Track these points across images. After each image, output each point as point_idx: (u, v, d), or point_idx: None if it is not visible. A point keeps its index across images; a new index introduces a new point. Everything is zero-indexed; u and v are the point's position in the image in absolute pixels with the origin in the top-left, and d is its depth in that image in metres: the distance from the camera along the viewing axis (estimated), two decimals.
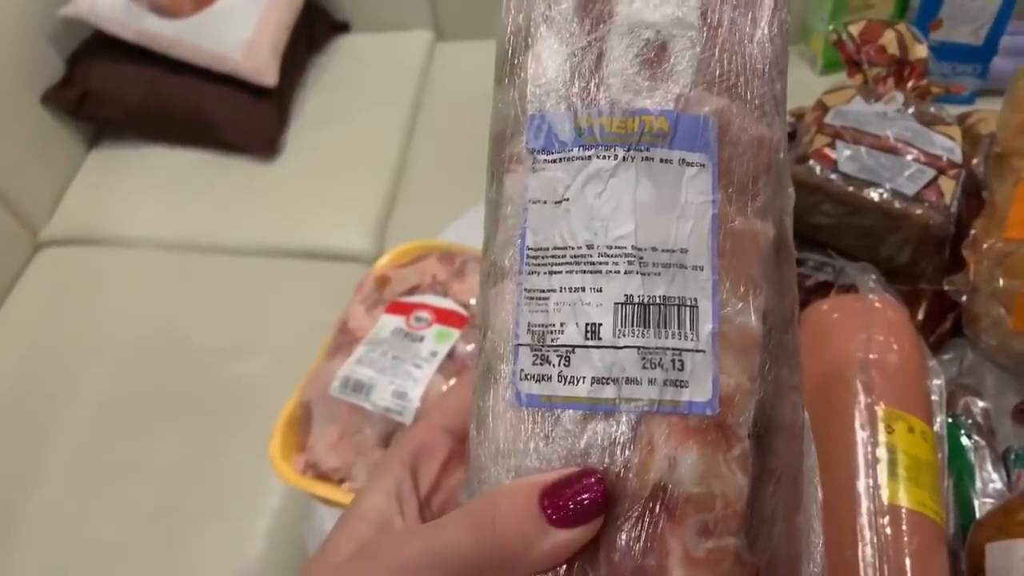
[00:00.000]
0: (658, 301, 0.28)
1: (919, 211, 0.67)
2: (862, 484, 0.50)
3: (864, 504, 0.49)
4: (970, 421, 0.64)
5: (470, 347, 0.58)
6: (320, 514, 0.69)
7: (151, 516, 1.02)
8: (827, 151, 0.70)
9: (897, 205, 0.67)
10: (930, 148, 0.70)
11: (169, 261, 1.31)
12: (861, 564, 0.47)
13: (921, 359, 0.58)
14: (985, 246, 0.63)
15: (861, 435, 0.52)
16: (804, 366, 0.59)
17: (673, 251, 0.28)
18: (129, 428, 1.11)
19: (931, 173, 0.69)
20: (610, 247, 0.28)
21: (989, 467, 0.62)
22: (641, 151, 0.28)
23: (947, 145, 0.71)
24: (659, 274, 0.28)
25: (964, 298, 0.64)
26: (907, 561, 0.47)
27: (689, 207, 0.28)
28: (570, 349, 0.27)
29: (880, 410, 0.53)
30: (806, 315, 0.61)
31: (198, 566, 0.98)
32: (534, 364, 0.28)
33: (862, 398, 0.53)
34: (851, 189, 0.68)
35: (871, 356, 0.55)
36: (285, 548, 0.99)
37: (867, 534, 0.48)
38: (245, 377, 1.12)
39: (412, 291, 0.63)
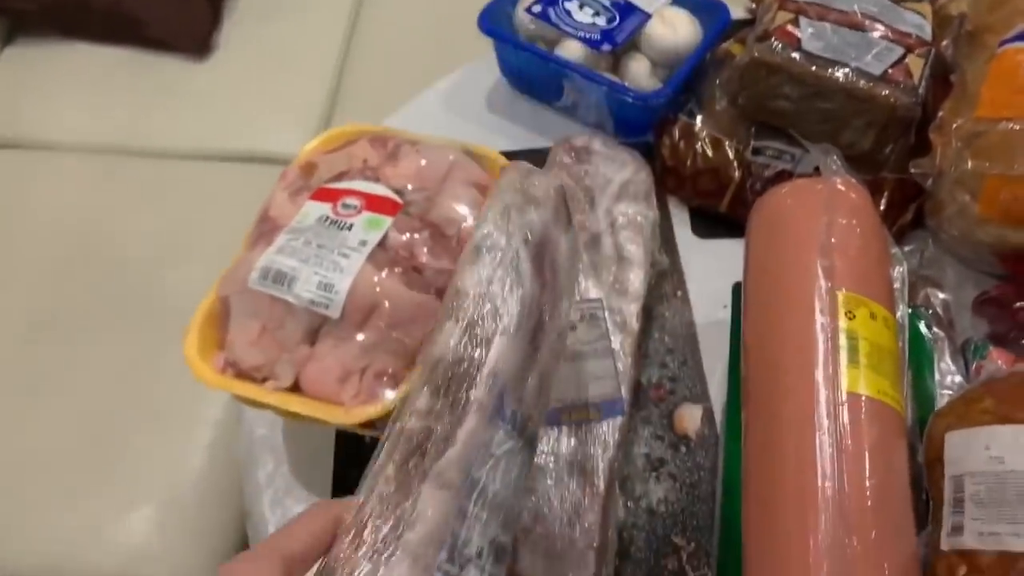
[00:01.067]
0: None
1: (885, 91, 0.63)
2: (820, 372, 0.47)
3: (823, 392, 0.46)
4: (930, 312, 0.61)
5: (405, 236, 0.53)
6: (248, 419, 0.65)
7: (83, 429, 0.97)
8: (790, 28, 0.65)
9: (862, 85, 0.63)
10: (899, 24, 0.66)
11: (94, 166, 1.22)
12: (818, 453, 0.44)
13: (884, 245, 0.55)
14: (954, 126, 0.60)
15: (820, 320, 0.48)
16: (762, 250, 0.55)
17: None
18: (57, 340, 1.05)
19: (899, 51, 0.64)
20: None
21: (948, 359, 0.60)
22: None
23: (916, 22, 0.66)
24: None
25: (929, 183, 0.61)
26: (866, 451, 0.45)
27: None
28: None
29: (841, 295, 0.49)
30: (765, 199, 0.57)
31: (133, 478, 0.94)
32: None
33: (822, 283, 0.50)
34: (814, 69, 0.64)
35: (832, 240, 0.52)
36: (226, 459, 0.95)
37: (825, 423, 0.45)
38: (178, 285, 1.05)
39: (340, 177, 0.57)
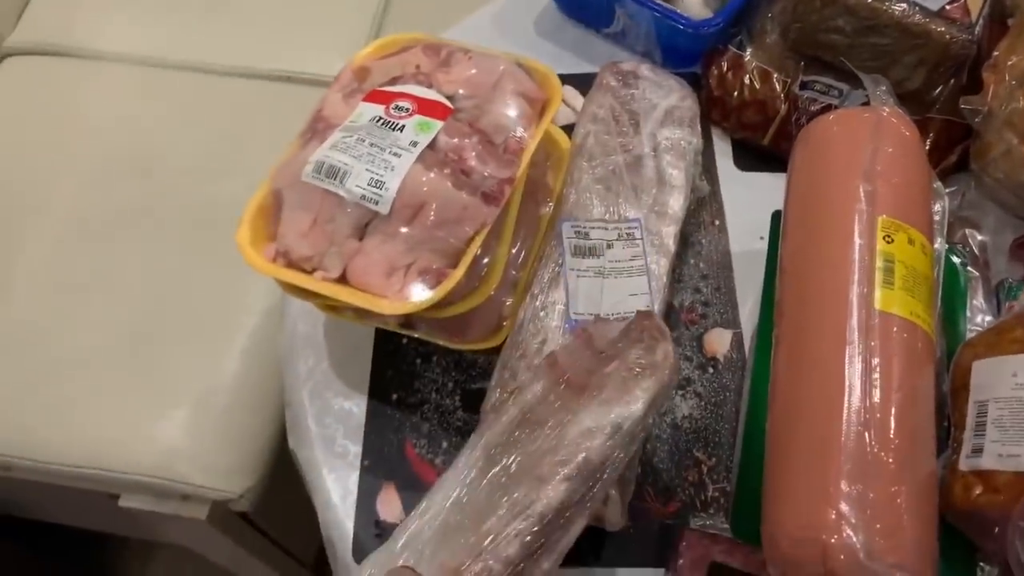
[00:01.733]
0: None
1: (941, 28, 0.62)
2: (855, 290, 0.48)
3: (855, 310, 0.47)
4: (967, 251, 0.62)
5: (454, 140, 0.54)
6: (291, 316, 0.67)
7: (123, 331, 1.00)
8: None
9: (918, 20, 0.63)
10: None
11: (141, 77, 1.24)
12: (847, 366, 0.46)
13: (927, 177, 0.55)
14: (1009, 64, 0.59)
15: (859, 242, 0.49)
16: (806, 175, 0.56)
17: None
18: (99, 244, 1.07)
19: None
20: None
21: (981, 298, 0.61)
22: None
23: None
24: None
25: (978, 120, 0.60)
26: (894, 366, 0.46)
27: None
28: None
29: (881, 220, 0.50)
30: (812, 127, 0.57)
31: (171, 380, 0.97)
32: None
33: (863, 207, 0.50)
34: (870, 1, 0.63)
35: (877, 167, 0.52)
36: (262, 368, 0.98)
37: (856, 337, 0.46)
38: (219, 198, 1.08)
39: (393, 82, 0.58)
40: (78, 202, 1.11)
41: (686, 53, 0.76)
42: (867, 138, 0.53)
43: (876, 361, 0.46)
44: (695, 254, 0.69)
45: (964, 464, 0.48)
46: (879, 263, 0.49)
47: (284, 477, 0.88)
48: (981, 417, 0.48)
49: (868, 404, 0.44)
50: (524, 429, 0.47)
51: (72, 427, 0.96)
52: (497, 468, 0.46)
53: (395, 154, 0.52)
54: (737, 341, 0.64)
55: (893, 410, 0.45)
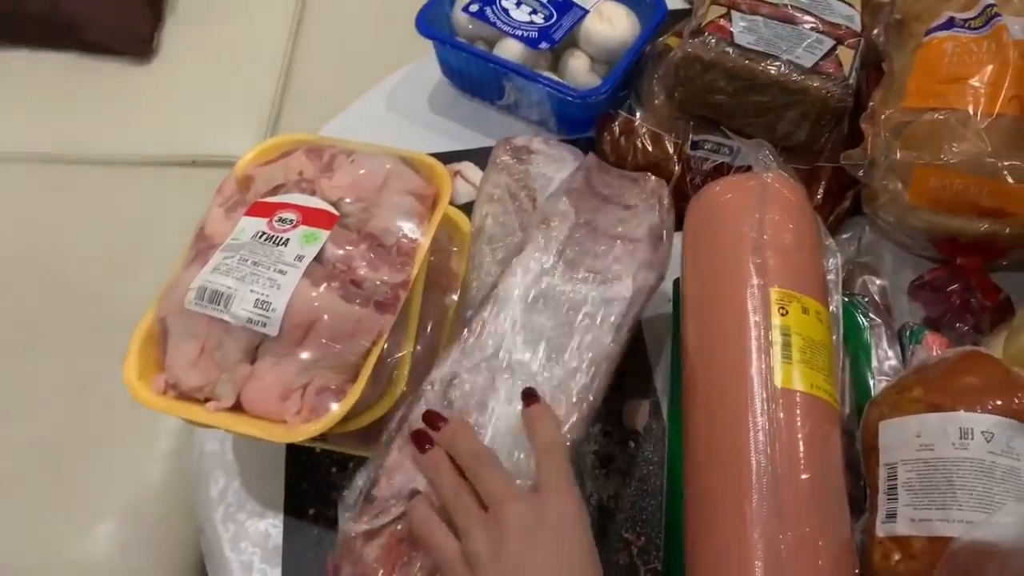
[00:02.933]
0: None
1: (817, 83, 0.64)
2: (754, 368, 0.48)
3: (756, 389, 0.47)
4: (867, 300, 0.62)
5: (341, 250, 0.53)
6: (198, 436, 0.65)
7: (38, 448, 0.95)
8: (722, 22, 0.66)
9: (795, 77, 0.64)
10: (829, 16, 0.67)
11: (36, 176, 1.20)
12: (752, 449, 0.45)
13: (817, 238, 0.56)
14: (883, 117, 0.61)
15: (753, 318, 0.49)
16: (697, 249, 0.56)
17: None
18: (7, 353, 1.03)
19: (829, 43, 0.65)
20: None
21: (885, 345, 0.62)
22: None
23: (846, 13, 0.67)
24: None
25: (861, 173, 0.62)
26: (800, 445, 0.46)
27: None
28: None
29: (773, 292, 0.50)
30: (699, 197, 0.58)
31: (91, 495, 0.93)
32: None
33: (755, 280, 0.51)
34: (747, 63, 0.65)
35: (764, 237, 0.52)
36: (184, 471, 0.94)
37: (759, 419, 0.46)
38: (130, 296, 1.03)
39: (276, 190, 0.57)
40: None
41: (578, 120, 0.76)
42: (753, 207, 0.54)
43: (781, 442, 0.45)
44: None
45: (880, 530, 0.48)
46: (775, 337, 0.49)
47: None
48: (892, 480, 0.48)
49: (777, 490, 0.44)
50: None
51: None
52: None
53: (280, 271, 0.51)
54: (655, 410, 0.64)
55: (802, 490, 0.45)
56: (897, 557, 0.47)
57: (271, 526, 0.60)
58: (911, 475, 0.47)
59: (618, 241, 0.58)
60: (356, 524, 0.48)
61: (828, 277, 0.56)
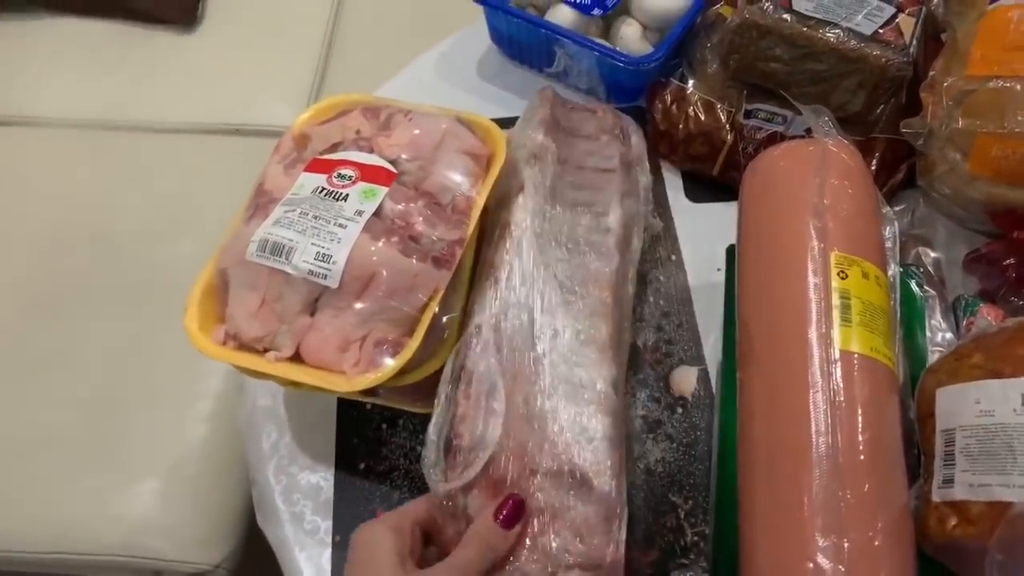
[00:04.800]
0: None
1: (876, 51, 0.63)
2: (814, 331, 0.48)
3: (816, 351, 0.47)
4: (920, 270, 0.62)
5: (400, 206, 0.53)
6: (250, 390, 0.66)
7: (83, 405, 0.98)
8: None
9: (853, 45, 0.63)
10: None
11: (84, 141, 1.21)
12: (812, 411, 0.45)
13: (876, 205, 0.55)
14: (945, 85, 0.60)
15: (813, 281, 0.49)
16: (755, 214, 0.56)
17: None
18: (54, 317, 1.05)
19: (890, 11, 0.65)
20: None
21: (939, 316, 0.61)
22: None
23: None
24: None
25: (920, 142, 0.61)
26: (859, 406, 0.46)
27: None
28: None
29: (833, 256, 0.50)
30: (757, 162, 0.57)
31: (136, 453, 0.95)
32: None
33: (815, 244, 0.50)
34: (805, 29, 0.64)
35: (825, 201, 0.52)
36: (227, 431, 0.96)
37: (819, 381, 0.46)
38: (174, 260, 1.07)
39: (334, 148, 0.57)
40: (28, 275, 1.08)
41: (629, 88, 0.76)
42: (813, 172, 0.53)
43: (840, 403, 0.45)
44: (654, 291, 0.68)
45: (937, 495, 0.48)
46: (835, 301, 0.49)
47: (261, 542, 0.86)
48: (949, 446, 0.48)
49: (836, 450, 0.44)
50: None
51: (35, 508, 0.93)
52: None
53: (340, 225, 0.51)
54: (703, 377, 0.64)
55: (861, 453, 0.44)
56: (953, 522, 0.46)
57: (322, 479, 0.61)
58: (969, 440, 0.47)
59: (594, 172, 0.61)
60: (450, 479, 0.49)
61: (886, 245, 0.56)
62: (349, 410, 0.63)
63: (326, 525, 0.59)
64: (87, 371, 1.00)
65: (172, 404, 0.99)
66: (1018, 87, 0.56)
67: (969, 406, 0.48)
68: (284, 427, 0.63)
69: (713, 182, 0.73)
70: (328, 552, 0.58)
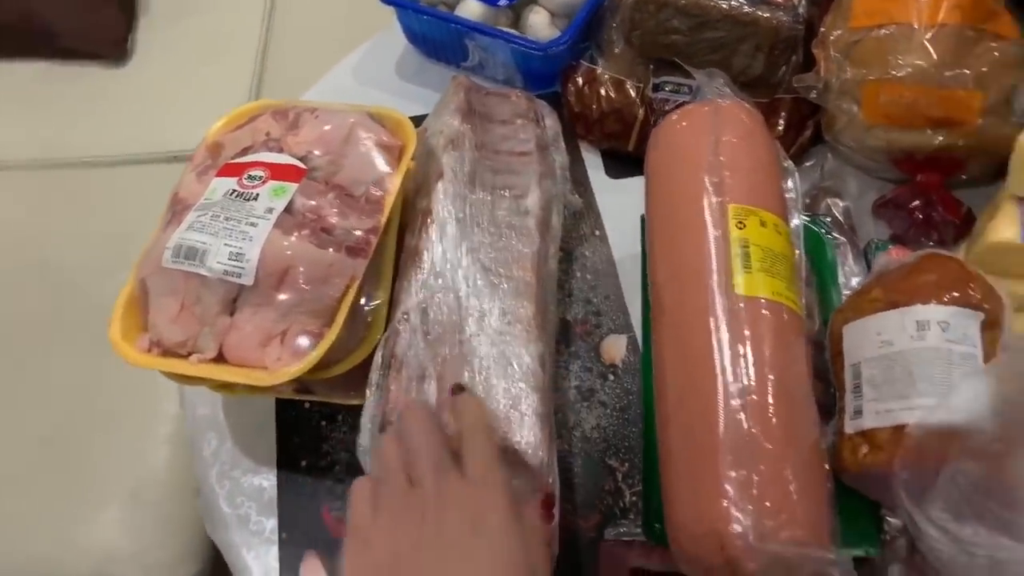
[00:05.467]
0: None
1: (767, 14, 0.65)
2: (715, 279, 0.49)
3: (718, 298, 0.48)
4: (830, 220, 0.64)
5: (311, 200, 0.54)
6: (189, 401, 0.66)
7: (42, 441, 0.98)
8: None
9: (745, 10, 0.65)
10: None
11: (24, 182, 1.22)
12: (717, 353, 0.47)
13: (773, 158, 0.57)
14: (832, 38, 0.62)
15: (713, 234, 0.51)
16: (657, 178, 0.57)
17: None
18: (7, 357, 1.05)
19: None
20: None
21: (851, 262, 0.63)
22: None
23: None
24: None
25: (813, 94, 0.63)
26: (764, 347, 0.47)
27: None
28: None
29: (731, 208, 0.51)
30: (657, 129, 0.59)
31: (98, 482, 0.95)
32: None
33: (712, 198, 0.52)
34: None
35: (721, 158, 0.54)
36: (188, 452, 0.96)
37: (722, 325, 0.47)
38: (119, 290, 1.07)
39: (245, 152, 0.58)
40: None
41: (543, 75, 0.78)
42: (708, 131, 0.55)
43: (746, 345, 0.47)
44: (580, 267, 0.70)
45: (849, 427, 0.49)
46: (735, 250, 0.50)
47: None
48: (856, 379, 0.50)
49: (742, 389, 0.45)
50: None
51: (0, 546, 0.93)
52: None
53: (252, 224, 0.52)
54: (632, 344, 0.65)
55: (768, 390, 0.46)
56: (865, 450, 0.48)
57: (265, 480, 0.61)
58: (874, 371, 0.49)
59: (511, 156, 0.63)
60: None
61: (788, 196, 0.57)
62: (288, 411, 0.64)
63: (272, 524, 0.59)
64: (43, 407, 1.00)
65: (131, 431, 0.99)
66: (897, 34, 0.58)
67: (871, 338, 0.50)
68: (224, 434, 0.64)
69: (630, 158, 0.74)
70: (275, 549, 0.59)
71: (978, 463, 0.43)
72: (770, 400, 0.46)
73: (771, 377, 0.47)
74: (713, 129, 0.55)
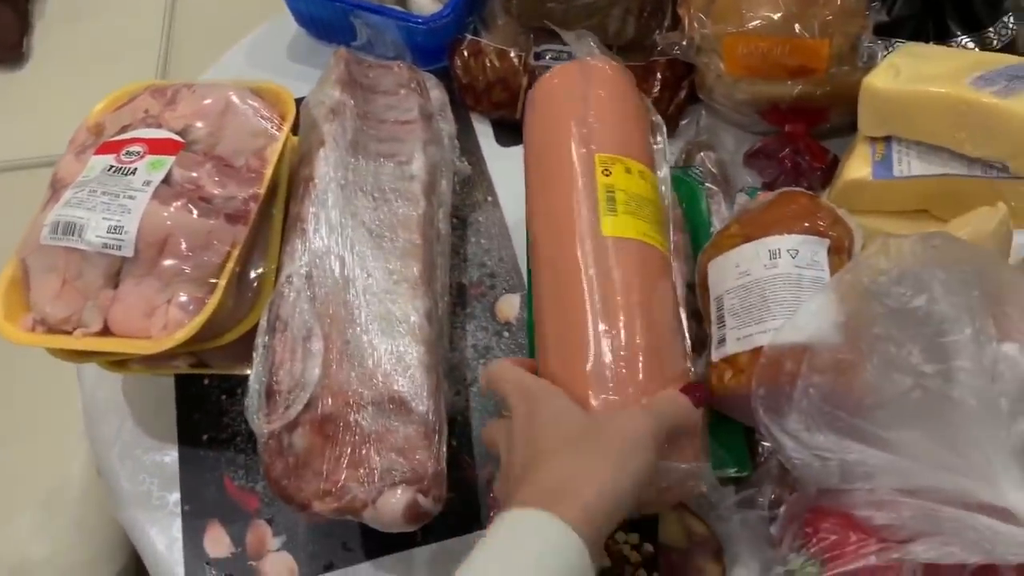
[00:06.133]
0: None
1: None
2: (584, 222, 0.51)
3: (588, 239, 0.50)
4: (701, 170, 0.67)
5: (191, 172, 0.55)
6: (87, 385, 0.66)
7: None
8: None
9: None
10: None
11: None
12: (587, 294, 0.49)
13: (641, 112, 0.59)
14: None
15: (581, 181, 0.53)
16: (532, 134, 0.59)
17: None
18: None
19: None
20: None
21: (724, 210, 0.66)
22: None
23: None
24: None
25: (677, 50, 0.66)
26: (631, 281, 0.49)
27: None
28: None
29: (597, 157, 0.54)
30: (532, 92, 0.61)
31: (10, 489, 0.94)
32: None
33: (578, 147, 0.54)
34: None
35: (590, 111, 0.56)
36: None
37: (590, 262, 0.49)
38: None
39: (124, 130, 0.59)
40: None
41: (431, 49, 0.79)
42: (577, 85, 0.57)
43: (613, 279, 0.49)
44: (475, 232, 0.72)
45: (715, 355, 0.52)
46: (601, 195, 0.52)
47: None
48: (720, 311, 0.53)
49: (609, 324, 0.48)
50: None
51: None
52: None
53: (130, 197, 0.53)
54: (524, 302, 0.67)
55: (636, 326, 0.48)
56: (729, 375, 0.51)
57: (167, 456, 0.62)
58: (734, 301, 0.52)
59: (396, 124, 0.65)
60: (272, 421, 0.51)
61: (656, 147, 0.60)
62: (188, 388, 0.64)
63: (174, 497, 0.60)
64: None
65: (43, 432, 0.98)
66: None
67: (731, 271, 0.53)
68: (125, 414, 0.64)
69: (518, 126, 0.76)
70: (179, 522, 0.59)
71: (826, 375, 0.46)
72: (637, 336, 0.48)
73: (638, 311, 0.49)
74: (581, 84, 0.57)
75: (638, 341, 0.48)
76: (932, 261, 0.44)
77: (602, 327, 0.48)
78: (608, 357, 0.47)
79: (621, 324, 0.48)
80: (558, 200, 0.54)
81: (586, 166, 0.54)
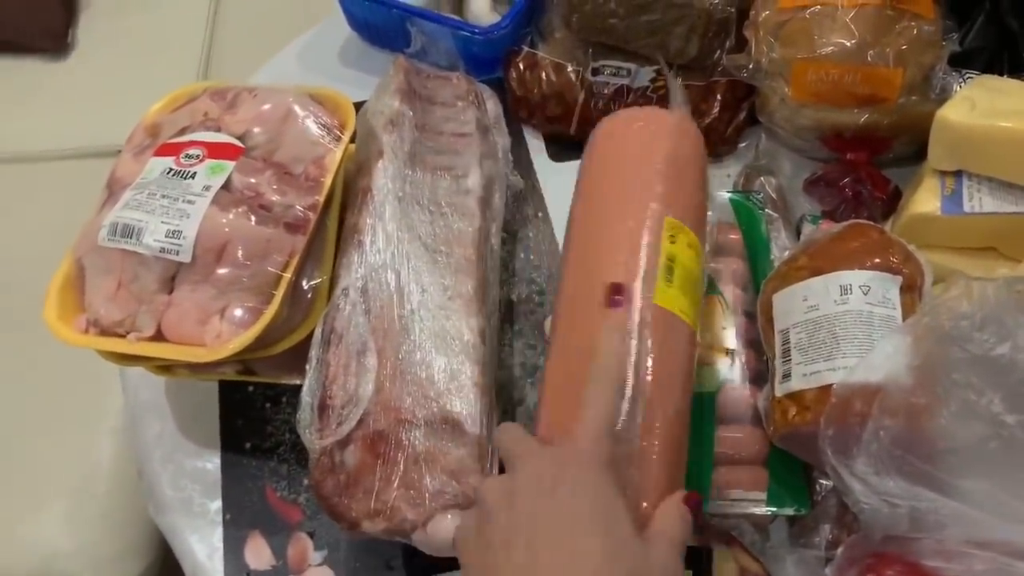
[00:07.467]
0: None
1: None
2: (639, 283, 0.49)
3: (636, 302, 0.48)
4: (762, 196, 0.65)
5: (250, 178, 0.54)
6: (131, 386, 0.66)
7: None
8: None
9: None
10: None
11: None
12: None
13: (706, 177, 0.57)
14: (761, 19, 0.64)
15: (645, 239, 0.50)
16: (599, 170, 0.57)
17: None
18: None
19: None
20: None
21: (784, 236, 0.65)
22: None
23: None
24: None
25: (744, 73, 0.65)
26: (648, 341, 0.47)
27: None
28: None
29: (667, 220, 0.51)
30: (615, 120, 0.58)
31: (41, 477, 0.94)
32: None
33: (656, 205, 0.51)
34: None
35: (672, 168, 0.53)
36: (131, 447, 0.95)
37: (634, 328, 0.48)
38: None
39: (183, 132, 0.58)
40: None
41: (485, 60, 0.78)
42: (666, 137, 0.55)
43: (647, 345, 0.47)
44: (524, 248, 0.71)
45: (779, 390, 0.51)
46: (662, 262, 0.50)
47: None
48: (785, 344, 0.52)
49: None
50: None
51: None
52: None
53: (189, 201, 0.52)
54: None
55: (650, 373, 0.47)
56: (793, 411, 0.50)
57: (208, 463, 0.61)
58: (801, 336, 0.51)
59: (453, 137, 0.64)
60: (324, 436, 0.50)
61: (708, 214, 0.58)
62: (232, 394, 0.64)
63: (216, 505, 0.59)
64: None
65: (76, 424, 0.98)
66: (822, 14, 0.60)
67: (798, 304, 0.52)
68: (168, 417, 0.63)
69: (572, 141, 0.75)
70: (220, 531, 0.58)
71: (898, 419, 0.45)
72: (649, 376, 0.47)
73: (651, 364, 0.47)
74: (671, 137, 0.55)
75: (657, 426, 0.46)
76: (1017, 307, 0.43)
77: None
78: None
79: (636, 373, 0.46)
80: (611, 251, 0.51)
81: (655, 226, 0.51)
